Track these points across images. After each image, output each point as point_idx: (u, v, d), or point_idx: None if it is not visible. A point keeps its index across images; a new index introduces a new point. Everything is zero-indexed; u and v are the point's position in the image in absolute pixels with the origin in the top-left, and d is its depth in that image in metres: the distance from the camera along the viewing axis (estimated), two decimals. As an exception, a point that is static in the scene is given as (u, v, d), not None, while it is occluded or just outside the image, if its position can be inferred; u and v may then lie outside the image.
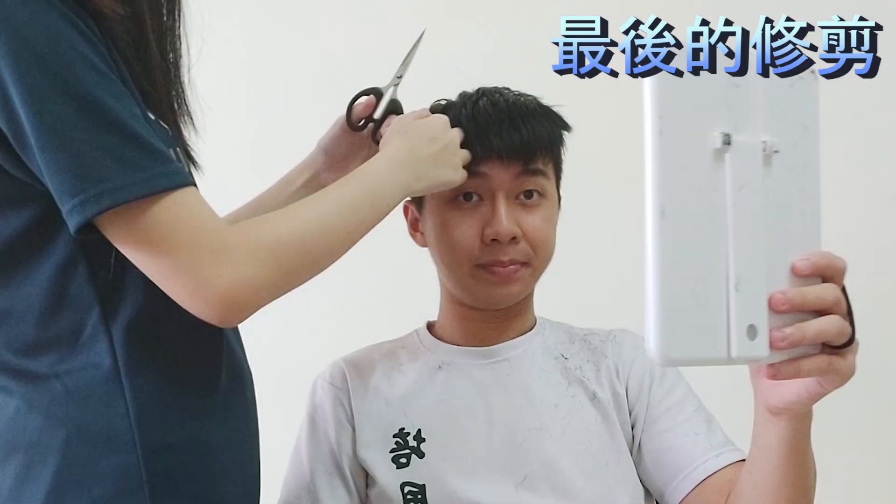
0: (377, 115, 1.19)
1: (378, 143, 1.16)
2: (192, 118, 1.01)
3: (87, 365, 0.91)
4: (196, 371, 0.96)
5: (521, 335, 1.24)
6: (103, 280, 0.91)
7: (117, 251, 0.89)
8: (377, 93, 1.19)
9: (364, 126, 1.20)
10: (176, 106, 0.99)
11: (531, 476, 1.14)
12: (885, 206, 1.84)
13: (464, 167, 1.15)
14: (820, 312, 0.79)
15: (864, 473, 1.82)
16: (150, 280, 0.90)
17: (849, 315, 0.80)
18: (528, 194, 1.17)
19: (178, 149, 0.99)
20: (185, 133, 1.02)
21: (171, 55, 0.99)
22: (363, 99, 1.20)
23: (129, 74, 0.92)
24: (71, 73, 0.83)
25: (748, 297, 0.76)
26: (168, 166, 0.87)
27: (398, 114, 1.18)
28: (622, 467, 1.16)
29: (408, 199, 1.25)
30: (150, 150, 0.86)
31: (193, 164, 1.04)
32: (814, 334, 0.78)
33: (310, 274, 0.95)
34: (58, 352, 0.91)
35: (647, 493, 1.18)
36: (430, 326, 1.28)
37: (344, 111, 1.21)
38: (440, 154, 1.10)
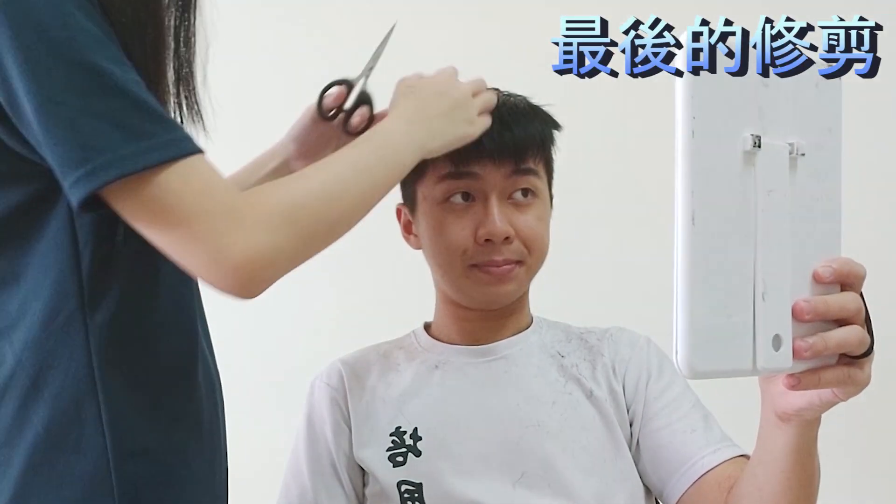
0: (347, 105, 1.17)
1: (349, 132, 1.15)
2: (202, 117, 0.99)
3: (57, 358, 0.87)
4: (172, 374, 0.93)
5: (518, 333, 1.24)
6: (87, 269, 0.87)
7: (106, 240, 0.86)
8: (348, 83, 1.17)
9: (335, 116, 1.18)
10: (185, 107, 0.96)
11: (528, 474, 1.14)
12: (887, 207, 1.84)
13: (458, 167, 1.15)
14: (840, 322, 0.79)
15: (865, 473, 1.82)
16: (134, 277, 0.87)
17: (867, 323, 0.80)
18: (521, 193, 1.18)
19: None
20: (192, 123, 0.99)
21: (183, 49, 0.95)
22: (334, 89, 1.18)
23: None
24: (72, 40, 0.79)
25: (774, 306, 0.75)
26: (176, 133, 0.83)
27: (369, 105, 1.16)
28: (620, 464, 1.16)
29: (400, 202, 1.26)
30: (156, 116, 0.82)
31: None
32: (836, 344, 0.78)
33: (326, 240, 0.92)
34: (24, 337, 0.87)
35: (647, 490, 1.18)
36: (427, 327, 1.29)
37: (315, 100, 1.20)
38: (452, 110, 1.07)
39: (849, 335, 0.78)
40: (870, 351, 0.80)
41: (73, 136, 0.79)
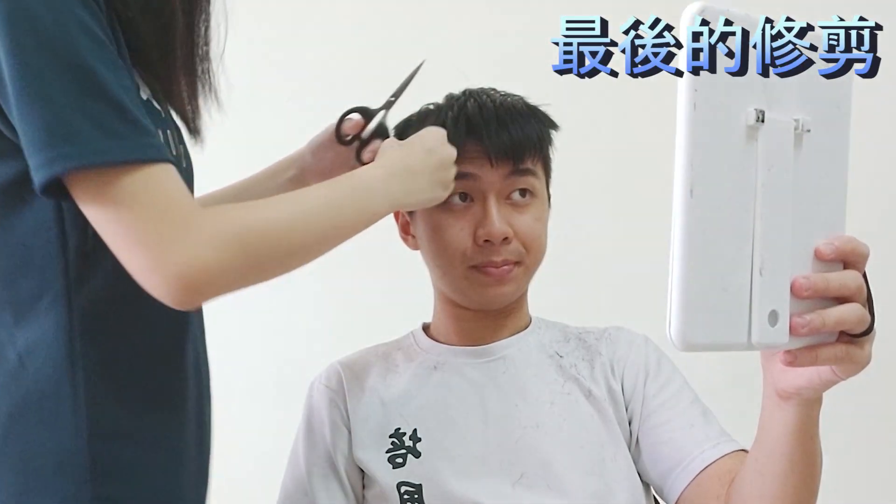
0: (365, 134, 1.18)
1: (362, 161, 1.16)
2: (216, 94, 0.99)
3: (41, 336, 0.88)
4: (157, 359, 0.94)
5: (516, 334, 1.24)
6: (74, 250, 0.88)
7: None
8: (368, 113, 1.19)
9: (351, 142, 1.19)
10: (200, 83, 0.97)
11: (528, 474, 1.14)
12: (887, 207, 1.84)
13: (457, 168, 1.14)
14: (840, 299, 0.78)
15: (865, 467, 1.82)
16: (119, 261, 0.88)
17: (868, 303, 0.79)
18: (519, 194, 1.18)
19: (168, 131, 0.96)
20: (206, 110, 1.00)
21: (202, 28, 0.96)
22: (354, 116, 1.19)
23: (138, 44, 0.91)
24: (64, 35, 0.81)
25: (772, 282, 0.74)
26: (148, 139, 0.85)
27: (384, 138, 1.16)
28: (619, 463, 1.16)
29: None
30: (133, 121, 0.84)
31: (198, 136, 1.01)
32: (834, 322, 0.77)
33: (278, 269, 0.91)
34: (14, 315, 0.89)
35: (647, 489, 1.18)
36: (426, 328, 1.29)
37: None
38: (436, 170, 1.08)
39: (848, 313, 0.78)
40: (870, 330, 0.80)
41: (46, 122, 0.81)
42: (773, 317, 0.74)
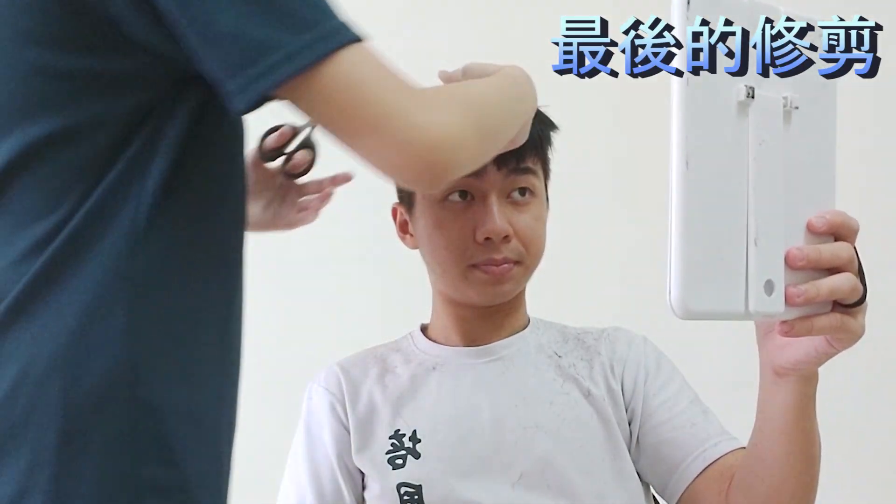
0: (289, 148, 1.12)
1: (288, 174, 1.11)
2: None
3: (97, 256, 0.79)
4: (215, 334, 0.87)
5: (515, 334, 1.24)
6: (159, 181, 0.80)
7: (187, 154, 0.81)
8: (293, 128, 1.11)
9: (274, 159, 1.13)
10: None
11: (527, 474, 1.14)
12: (887, 207, 1.84)
13: None
14: (833, 271, 0.80)
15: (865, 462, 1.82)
16: (194, 215, 0.82)
17: (860, 274, 0.81)
18: (519, 193, 1.18)
19: None
20: None
21: None
22: (276, 133, 1.12)
23: None
24: None
25: (766, 252, 0.76)
26: (337, 20, 0.79)
27: (313, 150, 1.11)
28: (619, 464, 1.16)
29: (396, 202, 1.25)
30: (315, 4, 0.78)
31: None
32: (828, 291, 0.79)
33: (499, 141, 0.90)
34: (73, 211, 0.80)
35: (646, 489, 1.19)
36: (424, 329, 1.28)
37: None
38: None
39: (841, 282, 0.80)
40: (863, 300, 0.81)
41: (239, 36, 0.76)
42: (769, 286, 0.77)
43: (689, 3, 0.74)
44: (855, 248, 0.82)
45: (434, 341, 1.25)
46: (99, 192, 0.80)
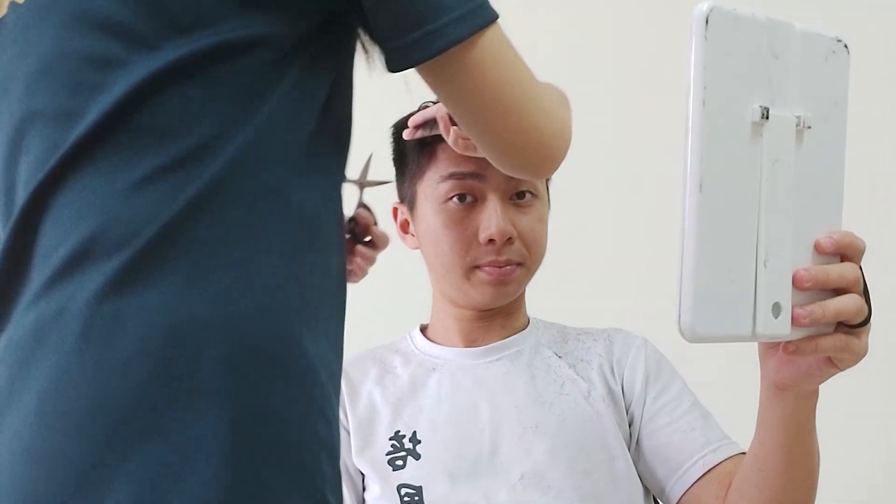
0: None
1: (355, 236, 1.00)
2: None
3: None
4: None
5: (515, 334, 1.24)
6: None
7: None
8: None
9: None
10: None
11: (527, 475, 1.14)
12: (886, 206, 1.84)
13: (461, 167, 1.15)
14: (839, 291, 0.80)
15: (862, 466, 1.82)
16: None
17: (865, 294, 0.81)
18: (522, 195, 1.18)
19: None
20: None
21: None
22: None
23: None
24: None
25: (775, 274, 0.76)
26: None
27: (369, 209, 1.02)
28: (619, 465, 1.16)
29: (397, 201, 1.25)
30: None
31: None
32: (834, 312, 0.79)
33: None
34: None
35: (646, 491, 1.18)
36: (424, 329, 1.28)
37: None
38: None
39: (847, 304, 0.80)
40: (867, 321, 0.82)
41: None
42: (777, 308, 0.76)
43: (707, 22, 0.73)
44: (860, 267, 0.82)
45: (434, 342, 1.25)
46: (260, 116, 0.73)
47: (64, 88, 0.73)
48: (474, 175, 1.16)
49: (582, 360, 1.22)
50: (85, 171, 0.72)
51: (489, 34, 0.78)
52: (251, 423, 0.69)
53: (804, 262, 0.79)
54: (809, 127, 0.79)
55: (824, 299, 0.79)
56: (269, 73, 0.74)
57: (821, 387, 0.90)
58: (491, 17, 0.78)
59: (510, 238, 1.16)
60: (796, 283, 0.78)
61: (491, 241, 1.15)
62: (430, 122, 1.14)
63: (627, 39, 1.76)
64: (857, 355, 0.82)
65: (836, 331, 0.81)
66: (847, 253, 0.81)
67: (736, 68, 0.75)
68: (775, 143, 0.76)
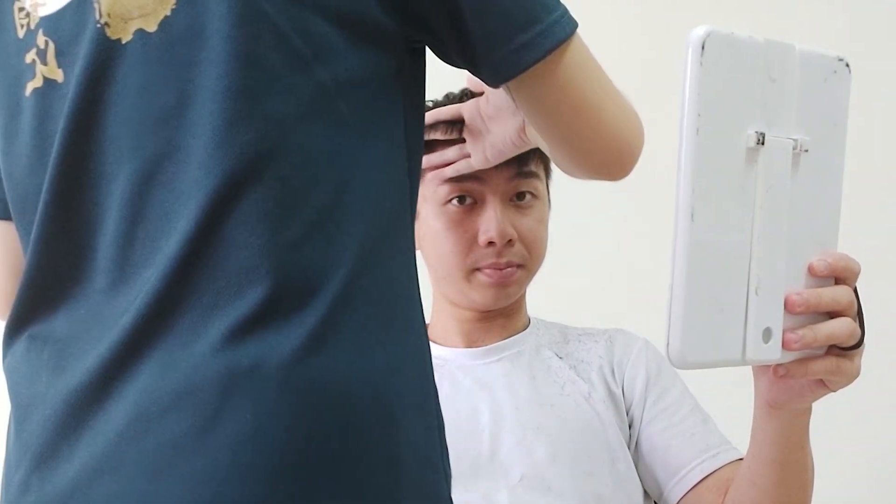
0: None
1: None
2: None
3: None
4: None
5: (515, 335, 1.24)
6: (411, 167, 0.79)
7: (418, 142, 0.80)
8: None
9: None
10: None
11: (527, 476, 1.14)
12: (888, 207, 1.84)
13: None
14: (831, 314, 0.80)
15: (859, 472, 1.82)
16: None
17: (859, 317, 0.81)
18: (522, 196, 1.18)
19: None
20: None
21: None
22: None
23: None
24: None
25: (767, 300, 0.75)
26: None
27: None
28: (619, 467, 1.16)
29: None
30: None
31: None
32: (825, 337, 0.78)
33: None
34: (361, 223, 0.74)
35: (646, 493, 1.19)
36: (424, 329, 1.28)
37: None
38: None
39: (839, 328, 0.79)
40: (860, 343, 0.81)
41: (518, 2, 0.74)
42: (767, 333, 0.76)
43: (703, 47, 0.71)
44: (855, 289, 0.81)
45: (434, 342, 1.25)
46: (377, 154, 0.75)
47: (215, 121, 0.71)
48: (474, 177, 1.16)
49: (583, 361, 1.22)
50: (244, 213, 0.71)
51: (577, 34, 0.78)
52: (420, 471, 0.76)
53: (797, 284, 0.78)
54: (807, 150, 0.77)
55: (817, 322, 0.78)
56: (375, 108, 0.75)
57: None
58: (574, 22, 0.77)
59: (510, 240, 1.16)
60: (788, 308, 0.77)
61: (491, 243, 1.15)
62: (432, 125, 1.14)
63: (628, 40, 1.76)
64: (849, 377, 0.82)
65: (827, 353, 0.80)
66: (841, 275, 0.80)
67: (732, 94, 0.73)
68: (771, 168, 0.75)
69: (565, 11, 0.77)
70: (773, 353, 0.76)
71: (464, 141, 1.13)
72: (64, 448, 0.71)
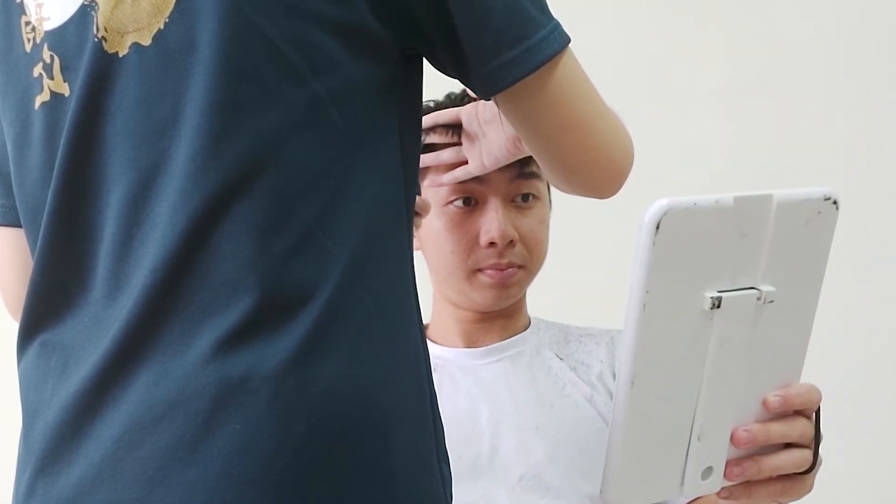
0: None
1: None
2: None
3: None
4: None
5: (516, 335, 1.24)
6: (407, 177, 0.79)
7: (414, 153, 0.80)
8: None
9: None
10: None
11: (527, 476, 1.14)
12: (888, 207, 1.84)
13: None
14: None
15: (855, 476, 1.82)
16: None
17: (815, 439, 0.78)
18: (524, 197, 1.18)
19: None
20: None
21: None
22: None
23: None
24: None
25: (709, 444, 0.73)
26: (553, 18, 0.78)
27: None
28: (619, 467, 1.16)
29: None
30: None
31: None
32: (770, 469, 0.75)
33: None
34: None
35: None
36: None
37: None
38: None
39: (786, 460, 0.76)
40: (812, 468, 0.78)
41: (514, 11, 0.75)
42: (708, 472, 0.73)
43: (657, 228, 0.66)
44: (818, 411, 0.77)
45: (434, 342, 1.25)
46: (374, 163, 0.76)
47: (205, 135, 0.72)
48: (475, 178, 1.16)
49: (583, 363, 1.22)
50: (232, 225, 0.71)
51: (569, 51, 0.78)
52: (415, 480, 0.76)
53: (750, 415, 0.74)
54: (772, 301, 0.72)
55: (766, 451, 0.75)
56: (366, 120, 0.76)
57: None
58: (566, 35, 0.78)
59: (512, 241, 1.16)
60: (734, 443, 0.73)
61: (492, 244, 1.15)
62: (430, 128, 1.14)
63: (628, 40, 1.76)
64: (798, 496, 0.79)
65: (775, 479, 0.77)
66: (799, 408, 0.76)
67: (690, 261, 0.68)
68: (727, 325, 0.70)
69: (556, 27, 0.77)
70: (713, 486, 0.74)
71: (461, 144, 1.13)
72: (66, 453, 0.73)
